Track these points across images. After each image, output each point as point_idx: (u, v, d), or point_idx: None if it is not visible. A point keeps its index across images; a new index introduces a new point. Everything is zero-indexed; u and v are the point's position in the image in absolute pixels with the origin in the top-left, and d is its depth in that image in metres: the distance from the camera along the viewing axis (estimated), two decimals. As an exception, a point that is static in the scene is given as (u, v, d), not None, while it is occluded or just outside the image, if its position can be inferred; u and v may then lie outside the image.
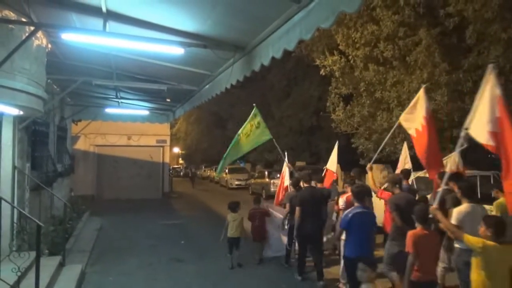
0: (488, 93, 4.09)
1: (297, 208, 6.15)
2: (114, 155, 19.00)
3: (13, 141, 6.55)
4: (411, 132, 6.20)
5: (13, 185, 6.52)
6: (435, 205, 4.21)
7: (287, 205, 7.04)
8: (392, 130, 7.02)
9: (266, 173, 19.95)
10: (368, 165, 6.68)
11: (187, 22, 5.09)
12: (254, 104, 8.35)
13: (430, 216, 4.20)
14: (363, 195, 5.01)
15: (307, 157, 22.10)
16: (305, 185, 6.68)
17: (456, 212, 4.42)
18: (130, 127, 17.07)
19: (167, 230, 10.93)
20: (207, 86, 8.14)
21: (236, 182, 24.34)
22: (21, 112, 6.07)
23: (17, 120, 6.67)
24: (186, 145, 42.85)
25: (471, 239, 3.56)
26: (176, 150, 48.49)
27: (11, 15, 5.08)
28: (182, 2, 4.58)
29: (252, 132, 8.11)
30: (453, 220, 4.33)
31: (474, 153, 12.46)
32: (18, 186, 6.69)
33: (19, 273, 4.73)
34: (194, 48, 5.41)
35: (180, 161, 55.23)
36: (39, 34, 5.75)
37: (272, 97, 23.66)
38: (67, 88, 9.12)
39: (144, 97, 11.93)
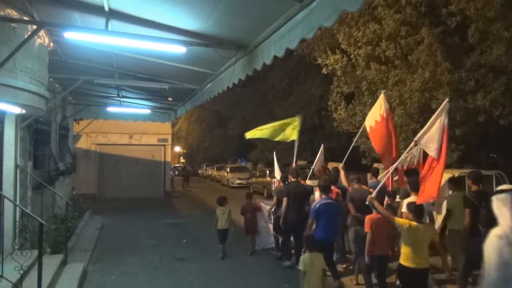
0: (440, 122, 5.00)
1: (284, 199, 6.83)
2: (115, 154, 19.03)
3: (15, 139, 6.56)
4: (366, 128, 7.22)
5: (15, 184, 6.54)
6: (373, 194, 5.12)
7: (274, 198, 7.61)
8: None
9: (268, 172, 19.95)
10: (340, 165, 7.45)
11: (189, 21, 5.10)
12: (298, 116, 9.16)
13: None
14: (329, 188, 5.98)
15: (308, 156, 22.09)
16: (293, 180, 7.22)
17: (405, 202, 5.29)
18: (132, 126, 17.11)
19: (169, 229, 10.95)
20: (209, 85, 8.14)
21: (237, 181, 24.35)
22: (23, 111, 6.09)
23: (19, 118, 6.69)
24: (187, 144, 42.88)
25: (399, 221, 4.55)
26: (178, 149, 48.53)
27: (14, 13, 5.10)
28: (184, 1, 4.58)
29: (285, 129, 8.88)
30: (403, 208, 5.23)
31: (477, 153, 12.50)
32: (20, 185, 6.71)
33: (21, 271, 4.75)
34: (196, 47, 5.42)
35: (182, 159, 55.27)
36: (42, 32, 5.77)
37: (273, 96, 23.67)
38: (69, 87, 9.14)
39: (145, 96, 11.95)
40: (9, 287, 4.69)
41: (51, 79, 8.53)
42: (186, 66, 7.30)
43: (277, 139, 9.10)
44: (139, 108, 13.85)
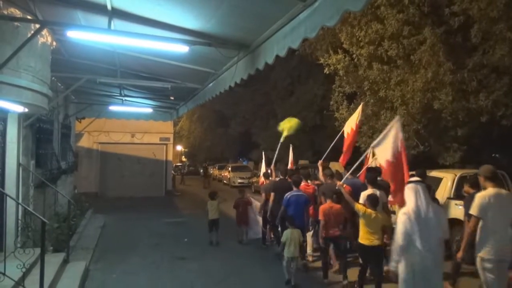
0: (393, 134, 5.66)
1: (271, 194, 7.62)
2: (117, 153, 19.06)
3: (18, 138, 6.58)
4: (344, 133, 8.18)
5: (17, 182, 6.56)
6: (341, 182, 6.31)
7: (263, 195, 8.33)
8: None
9: (269, 171, 19.92)
10: (319, 162, 8.21)
11: (192, 20, 5.10)
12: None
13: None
14: (299, 182, 7.01)
15: (310, 156, 22.09)
16: (281, 177, 8.11)
17: (362, 194, 6.04)
18: (134, 125, 17.15)
19: (170, 228, 10.96)
20: (211, 84, 8.14)
21: (239, 180, 24.34)
22: (26, 110, 6.11)
23: (22, 117, 6.70)
24: (189, 143, 42.89)
25: (358, 206, 5.45)
26: (179, 148, 48.55)
27: (17, 12, 5.11)
28: (187, 0, 4.59)
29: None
30: (361, 200, 5.92)
31: (479, 153, 12.48)
32: (22, 183, 6.72)
33: (24, 269, 4.77)
34: (198, 46, 5.43)
35: (183, 159, 55.31)
36: (44, 31, 5.78)
37: (275, 96, 23.64)
38: (71, 86, 9.15)
39: (148, 95, 11.96)
40: (12, 285, 4.70)
41: (53, 78, 8.55)
42: (188, 65, 7.30)
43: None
44: (141, 107, 13.87)
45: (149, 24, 5.29)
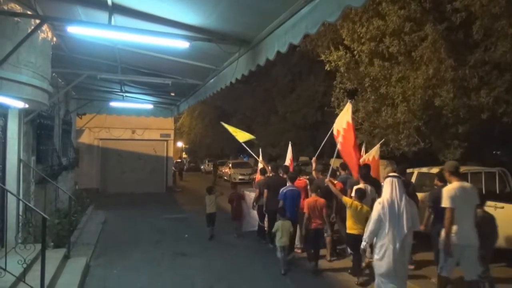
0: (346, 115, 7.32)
1: (265, 190, 8.00)
2: (118, 149, 19.08)
3: (18, 134, 6.58)
4: (334, 132, 8.21)
5: (18, 178, 6.56)
6: (328, 179, 6.96)
7: (257, 190, 8.63)
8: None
9: (270, 167, 19.93)
10: (313, 159, 8.65)
11: (192, 16, 5.08)
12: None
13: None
14: (294, 178, 7.50)
15: (311, 152, 22.07)
16: (273, 173, 8.60)
17: (354, 188, 6.41)
18: (134, 121, 17.15)
19: (171, 224, 10.98)
20: (211, 81, 8.13)
21: (240, 177, 24.37)
22: (27, 105, 6.10)
23: (23, 113, 6.70)
24: (189, 140, 42.87)
25: (345, 199, 6.08)
26: (180, 144, 48.54)
27: (17, 8, 5.08)
28: (187, -5, 4.57)
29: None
30: (352, 193, 6.32)
31: (480, 150, 12.45)
32: (23, 179, 6.73)
33: (25, 265, 4.78)
34: (199, 42, 5.40)
35: (184, 155, 55.34)
36: (45, 27, 5.76)
37: (276, 92, 23.59)
38: (72, 82, 9.14)
39: (148, 91, 11.95)
40: (13, 280, 4.71)
41: (54, 74, 8.53)
42: (189, 61, 7.28)
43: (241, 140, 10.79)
44: (142, 103, 13.86)
45: (150, 19, 5.27)
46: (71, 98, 12.64)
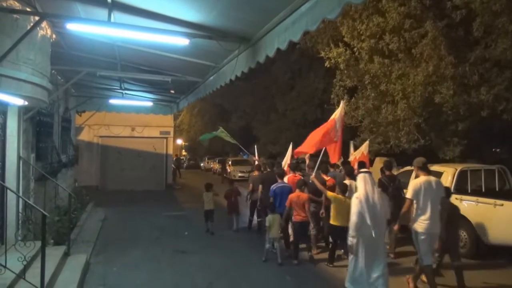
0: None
1: (259, 186, 8.47)
2: (117, 146, 19.07)
3: (18, 131, 6.57)
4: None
5: (18, 175, 6.56)
6: (313, 175, 7.53)
7: (250, 185, 9.19)
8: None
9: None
10: (307, 155, 8.82)
11: (192, 13, 5.06)
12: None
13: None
14: (282, 175, 7.91)
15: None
16: (268, 169, 8.99)
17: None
18: (134, 118, 17.13)
19: (171, 221, 10.99)
20: (211, 78, 8.11)
21: (239, 174, 24.38)
22: (26, 103, 6.09)
23: (22, 110, 6.69)
24: (189, 137, 42.88)
25: (329, 193, 6.71)
26: (180, 142, 48.54)
27: (16, 4, 5.07)
28: (187, -8, 4.56)
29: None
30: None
31: (480, 148, 12.46)
32: (23, 177, 6.72)
33: (25, 262, 4.78)
34: (199, 39, 5.39)
35: (184, 152, 55.35)
36: (44, 24, 5.74)
37: (276, 90, 23.57)
38: (71, 79, 9.12)
39: (148, 88, 11.93)
40: (13, 277, 4.72)
41: (53, 71, 8.52)
42: (189, 58, 7.26)
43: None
44: (142, 100, 13.84)
45: (150, 16, 5.25)
46: (71, 96, 12.62)
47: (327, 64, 12.39)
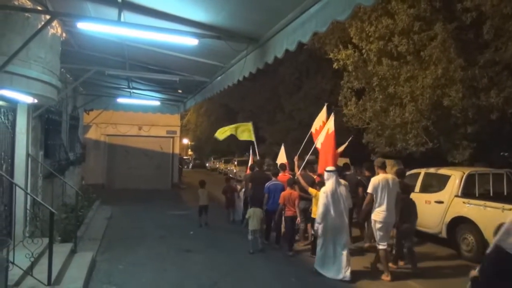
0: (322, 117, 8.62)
1: (249, 184, 9.07)
2: (124, 145, 19.17)
3: (27, 129, 6.64)
4: (312, 130, 9.34)
5: (26, 173, 6.63)
6: (298, 173, 8.24)
7: (243, 183, 10.07)
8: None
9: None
10: (295, 158, 9.14)
11: (201, 13, 5.09)
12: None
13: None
14: (277, 174, 8.58)
15: (316, 151, 21.99)
16: (257, 169, 9.41)
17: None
18: (141, 117, 17.22)
19: (176, 220, 11.04)
20: (219, 78, 8.14)
21: (244, 174, 24.36)
22: (36, 101, 6.15)
23: (31, 108, 6.76)
24: (195, 137, 42.99)
25: (311, 190, 7.19)
26: (186, 141, 48.70)
27: (27, 3, 5.13)
28: (197, -8, 4.58)
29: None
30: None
31: (488, 151, 12.35)
32: (31, 174, 6.79)
33: (32, 259, 4.84)
34: (208, 39, 5.42)
35: (189, 152, 55.51)
36: (55, 23, 5.80)
37: (283, 90, 23.52)
38: (80, 77, 9.20)
39: (155, 87, 11.99)
40: (20, 273, 4.77)
41: (63, 69, 8.59)
42: (197, 58, 7.30)
43: (241, 138, 11.87)
44: (149, 99, 13.91)
45: (159, 16, 5.29)
46: (79, 94, 12.72)
47: (335, 65, 12.34)
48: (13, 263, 4.63)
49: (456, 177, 8.05)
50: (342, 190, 6.19)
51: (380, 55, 11.28)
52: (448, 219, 7.85)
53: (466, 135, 10.62)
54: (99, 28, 5.10)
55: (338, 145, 8.82)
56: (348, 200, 6.32)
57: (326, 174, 6.32)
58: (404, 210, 6.46)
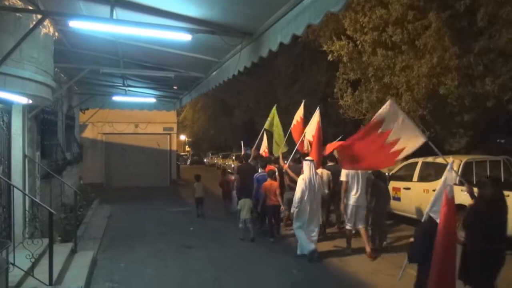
0: (315, 121, 8.68)
1: (237, 176, 9.60)
2: (121, 143, 19.12)
3: (23, 130, 6.61)
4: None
5: (24, 174, 6.61)
6: (286, 165, 8.76)
7: (235, 175, 10.15)
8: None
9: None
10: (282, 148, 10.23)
11: (195, 8, 5.06)
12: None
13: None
14: (265, 166, 8.93)
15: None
16: (244, 162, 9.88)
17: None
18: (137, 115, 17.17)
19: (176, 217, 11.05)
20: (214, 73, 8.12)
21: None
22: (30, 101, 6.12)
23: (27, 109, 6.72)
24: (193, 133, 42.93)
25: (299, 180, 7.07)
26: (183, 137, 48.61)
27: (18, 3, 5.09)
28: (189, -13, 4.55)
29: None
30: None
31: (485, 139, 12.41)
32: (29, 175, 6.78)
33: (33, 260, 4.84)
34: (201, 34, 5.39)
35: (187, 148, 55.45)
36: (46, 22, 5.75)
37: (278, 84, 23.50)
38: (74, 77, 9.15)
39: (151, 84, 11.95)
40: (22, 274, 4.78)
41: (57, 69, 8.55)
42: (191, 54, 7.27)
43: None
44: (145, 97, 13.88)
45: (152, 12, 5.25)
46: (74, 93, 12.67)
47: (330, 57, 12.34)
48: (13, 264, 4.64)
49: (453, 165, 8.06)
50: (318, 178, 6.88)
51: (374, 46, 11.28)
52: None
53: (462, 123, 10.66)
54: (91, 26, 5.06)
55: (331, 136, 9.23)
56: (321, 189, 7.08)
57: (304, 163, 6.96)
58: (375, 193, 7.31)
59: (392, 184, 9.22)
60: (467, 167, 7.96)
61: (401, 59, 10.78)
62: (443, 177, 4.56)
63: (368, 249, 6.87)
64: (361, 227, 7.06)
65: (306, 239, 6.75)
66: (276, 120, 11.12)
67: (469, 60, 9.83)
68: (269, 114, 11.30)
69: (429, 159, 8.88)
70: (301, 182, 6.71)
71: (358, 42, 11.62)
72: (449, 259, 3.95)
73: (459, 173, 7.89)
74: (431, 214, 4.29)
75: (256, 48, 5.31)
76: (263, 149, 11.28)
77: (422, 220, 3.95)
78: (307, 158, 7.20)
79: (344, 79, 12.65)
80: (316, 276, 6.17)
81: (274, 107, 11.24)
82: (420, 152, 9.39)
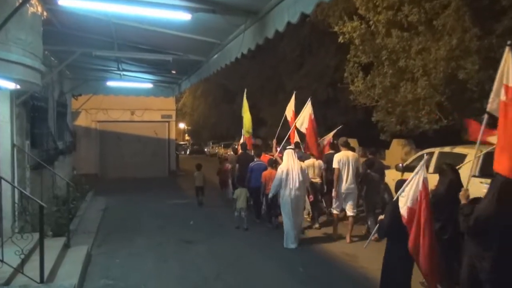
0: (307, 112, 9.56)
1: (236, 165, 10.30)
2: (117, 132, 19.14)
3: (11, 117, 6.56)
4: (287, 118, 10.70)
5: (13, 164, 6.58)
6: (277, 154, 9.61)
7: (229, 165, 11.49)
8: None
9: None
10: (274, 141, 11.06)
11: (194, -16, 4.95)
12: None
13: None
14: (260, 155, 9.67)
15: (322, 132, 21.92)
16: (241, 151, 10.67)
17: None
18: (133, 101, 17.12)
19: (175, 209, 11.07)
20: (215, 56, 8.03)
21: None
22: (18, 86, 6.04)
23: (14, 95, 6.66)
24: (192, 121, 42.92)
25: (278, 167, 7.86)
26: (182, 125, 48.64)
27: (3, -20, 4.98)
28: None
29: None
30: None
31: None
32: (18, 165, 6.74)
33: (22, 256, 4.82)
34: (202, 13, 5.29)
35: (187, 137, 55.53)
36: (34, 0, 5.65)
37: (284, 68, 23.32)
38: (65, 60, 9.06)
39: (147, 69, 11.87)
40: (11, 271, 4.77)
41: (46, 52, 8.47)
42: (191, 35, 7.17)
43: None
44: (141, 82, 13.81)
45: (148, -11, 5.15)
46: (65, 78, 12.60)
47: (340, 39, 12.12)
48: (2, 260, 4.63)
49: (472, 156, 7.96)
50: (297, 167, 7.37)
51: (389, 26, 11.08)
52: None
53: (482, 110, 10.50)
54: (82, 4, 4.98)
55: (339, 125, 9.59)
56: (304, 176, 7.47)
57: (285, 152, 7.68)
58: (366, 183, 8.14)
59: (405, 176, 9.14)
60: (487, 158, 7.84)
61: (417, 41, 10.59)
62: (418, 167, 4.63)
63: (348, 239, 7.66)
64: (350, 215, 7.78)
65: (292, 235, 7.30)
66: (245, 105, 12.09)
67: (491, 42, 9.64)
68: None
69: (446, 149, 8.78)
70: (279, 172, 7.37)
71: (370, 22, 11.42)
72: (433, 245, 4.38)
73: (479, 164, 7.81)
74: (408, 204, 4.43)
75: (261, 29, 5.21)
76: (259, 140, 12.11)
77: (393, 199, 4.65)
78: (288, 147, 7.86)
79: (355, 63, 12.46)
80: (323, 274, 6.15)
81: (245, 91, 12.23)
82: (436, 142, 9.31)
